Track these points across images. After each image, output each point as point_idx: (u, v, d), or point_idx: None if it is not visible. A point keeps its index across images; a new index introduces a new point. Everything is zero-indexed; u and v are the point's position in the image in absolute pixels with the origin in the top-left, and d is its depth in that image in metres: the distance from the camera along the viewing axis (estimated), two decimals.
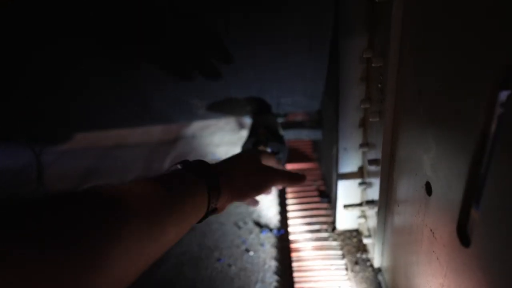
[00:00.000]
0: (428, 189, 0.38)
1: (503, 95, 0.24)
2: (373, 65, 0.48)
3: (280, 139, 0.74)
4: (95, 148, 1.32)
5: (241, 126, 1.38)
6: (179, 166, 0.42)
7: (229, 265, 0.72)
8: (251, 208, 0.87)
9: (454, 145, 0.31)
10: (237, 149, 1.18)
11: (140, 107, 0.80)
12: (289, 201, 0.85)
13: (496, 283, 0.27)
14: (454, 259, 0.34)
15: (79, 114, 0.85)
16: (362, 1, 0.51)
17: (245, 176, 0.48)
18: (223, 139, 1.29)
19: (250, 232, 0.81)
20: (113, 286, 0.24)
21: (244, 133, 1.31)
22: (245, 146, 0.74)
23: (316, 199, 0.85)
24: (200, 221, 0.41)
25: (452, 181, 0.32)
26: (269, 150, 0.72)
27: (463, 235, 0.31)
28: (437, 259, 0.38)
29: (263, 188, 0.51)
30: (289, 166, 0.99)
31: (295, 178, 0.57)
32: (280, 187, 0.63)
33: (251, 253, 0.75)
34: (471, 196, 0.30)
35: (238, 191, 0.47)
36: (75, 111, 0.83)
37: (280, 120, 0.96)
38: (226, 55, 0.65)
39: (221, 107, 0.83)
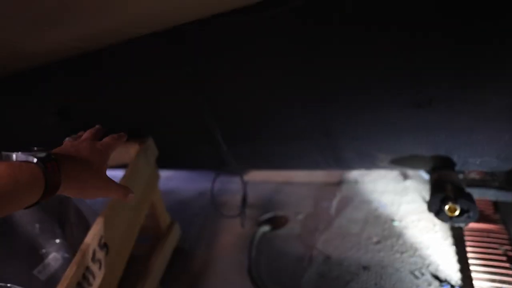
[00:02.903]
0: None
1: None
2: None
3: (469, 198, 0.77)
4: (270, 183, 1.59)
5: (404, 176, 1.41)
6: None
7: None
8: (428, 260, 0.90)
9: None
10: (403, 199, 1.23)
11: (331, 155, 0.98)
12: (471, 260, 0.85)
13: None
14: None
15: (268, 156, 1.08)
16: None
17: (89, 182, 0.47)
18: (387, 187, 1.34)
19: (429, 284, 0.84)
20: None
21: (408, 184, 1.34)
22: (431, 201, 0.80)
23: (505, 264, 0.82)
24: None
25: None
26: (458, 208, 0.76)
27: None
28: None
29: (99, 196, 0.50)
30: (469, 225, 0.97)
31: (124, 196, 0.53)
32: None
33: None
34: None
35: (79, 190, 0.47)
36: (261, 154, 1.06)
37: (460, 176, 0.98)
38: (425, 121, 0.75)
39: (402, 161, 0.92)
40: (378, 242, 1.04)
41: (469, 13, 0.61)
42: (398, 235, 1.04)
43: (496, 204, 1.03)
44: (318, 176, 1.57)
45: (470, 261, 0.85)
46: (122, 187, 0.53)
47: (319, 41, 0.74)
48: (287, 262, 1.05)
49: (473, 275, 0.81)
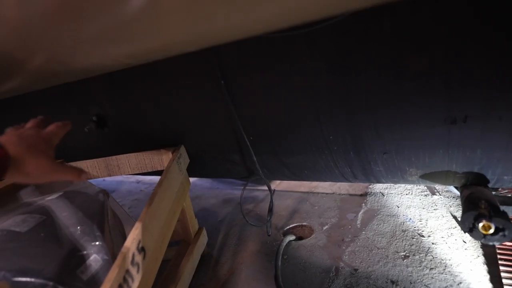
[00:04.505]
0: None
1: None
2: None
3: (505, 216, 0.76)
4: (294, 192, 1.60)
5: (431, 190, 1.39)
6: None
7: None
8: (458, 277, 0.89)
9: None
10: (431, 214, 1.22)
11: (360, 168, 0.98)
12: (506, 281, 0.83)
13: None
14: None
15: (296, 167, 1.09)
16: None
17: (35, 167, 0.48)
18: (413, 201, 1.33)
19: None
20: None
21: (436, 199, 1.32)
22: (465, 218, 0.79)
23: None
24: None
25: None
26: (493, 226, 0.75)
27: None
28: None
29: (48, 180, 0.51)
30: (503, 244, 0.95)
31: (78, 177, 0.55)
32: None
33: None
34: None
35: (24, 175, 0.48)
36: (289, 165, 1.07)
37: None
38: (459, 137, 0.75)
39: (434, 177, 0.92)
40: (406, 257, 1.03)
41: (506, 29, 0.61)
42: (426, 251, 1.03)
43: None
44: (342, 187, 1.57)
45: (504, 281, 0.83)
46: (75, 168, 0.54)
47: (351, 56, 0.76)
48: (313, 272, 1.06)
49: None
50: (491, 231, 0.76)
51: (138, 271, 0.71)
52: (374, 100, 0.79)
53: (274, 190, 1.35)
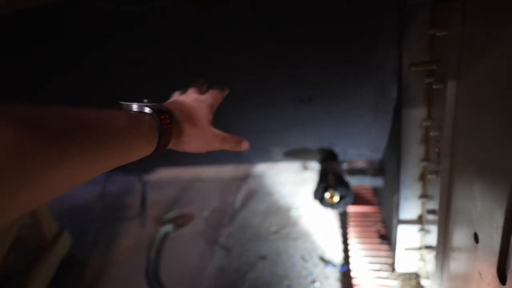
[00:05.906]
0: (476, 238, 0.48)
1: None
2: (431, 134, 0.60)
3: (346, 186, 0.86)
4: (178, 181, 1.55)
5: (304, 168, 1.52)
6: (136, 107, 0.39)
7: None
8: (316, 244, 0.99)
9: (494, 204, 0.42)
10: (301, 189, 1.32)
11: (230, 151, 0.99)
12: (351, 240, 0.95)
13: None
14: None
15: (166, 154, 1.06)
16: (421, 82, 0.64)
17: (198, 135, 0.46)
18: (288, 179, 1.43)
19: (316, 266, 0.92)
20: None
21: (307, 175, 1.44)
22: (316, 191, 0.87)
23: (377, 240, 0.94)
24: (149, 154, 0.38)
25: (493, 233, 0.43)
26: (337, 195, 0.85)
27: (502, 276, 0.41)
28: None
29: (209, 149, 0.50)
30: (352, 208, 1.09)
31: (238, 145, 0.55)
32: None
33: (317, 284, 0.85)
34: (508, 243, 0.40)
35: (187, 144, 0.46)
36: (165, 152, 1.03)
37: (345, 166, 1.09)
38: (308, 115, 0.81)
39: (295, 154, 0.99)
40: (276, 232, 1.09)
41: (340, 16, 0.67)
42: (294, 224, 1.12)
43: (375, 189, 1.17)
44: (226, 171, 1.59)
45: (349, 240, 0.95)
46: (235, 136, 0.53)
47: (204, 34, 0.74)
48: (189, 260, 1.04)
49: (350, 253, 0.91)
50: (336, 199, 0.86)
51: None
52: (234, 79, 0.80)
53: (147, 182, 1.28)
